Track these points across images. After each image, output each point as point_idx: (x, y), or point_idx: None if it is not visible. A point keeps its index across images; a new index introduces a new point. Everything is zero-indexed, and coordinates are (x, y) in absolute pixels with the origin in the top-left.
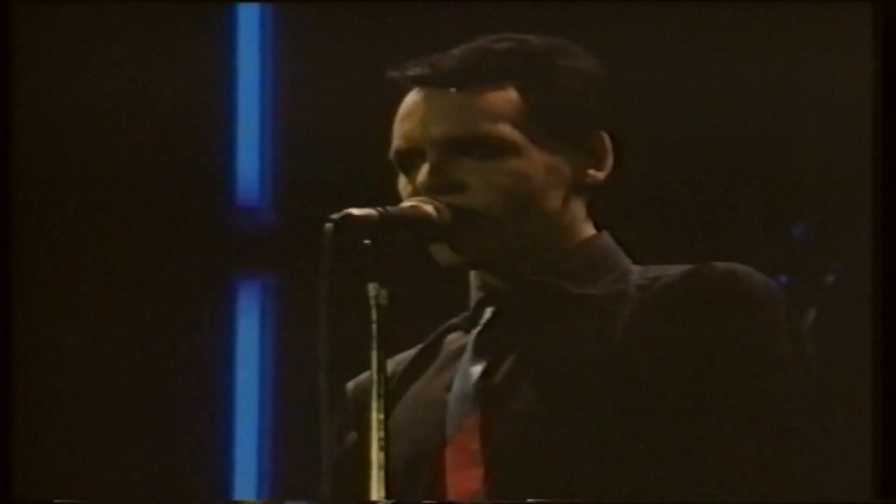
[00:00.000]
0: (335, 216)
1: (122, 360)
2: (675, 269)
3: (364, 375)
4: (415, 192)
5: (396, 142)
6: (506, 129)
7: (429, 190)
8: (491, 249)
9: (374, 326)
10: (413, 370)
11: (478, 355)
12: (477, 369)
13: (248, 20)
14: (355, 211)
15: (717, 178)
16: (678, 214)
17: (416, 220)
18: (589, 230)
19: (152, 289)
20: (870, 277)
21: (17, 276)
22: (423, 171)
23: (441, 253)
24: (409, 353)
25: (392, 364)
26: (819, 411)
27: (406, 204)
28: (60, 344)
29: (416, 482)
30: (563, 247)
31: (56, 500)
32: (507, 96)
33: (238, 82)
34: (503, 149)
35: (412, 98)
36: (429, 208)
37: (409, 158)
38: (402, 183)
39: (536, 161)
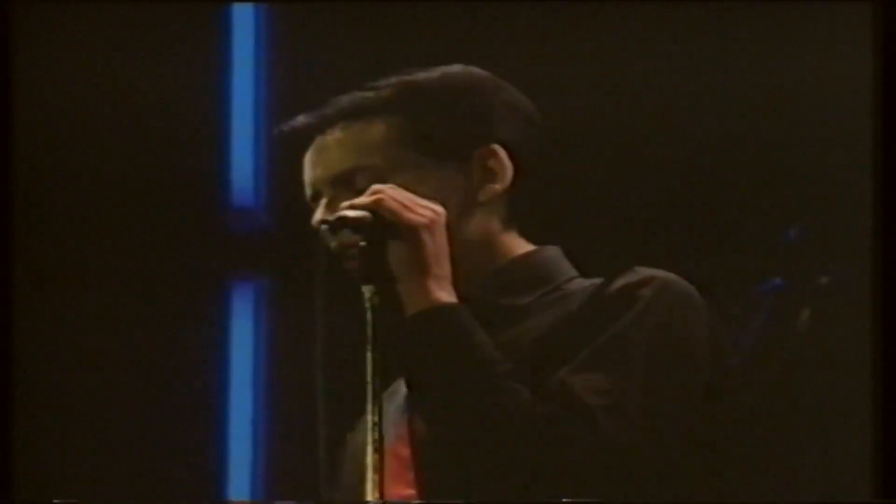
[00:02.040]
0: (330, 218)
1: (118, 361)
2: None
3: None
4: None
5: (306, 190)
6: (380, 159)
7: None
8: (391, 271)
9: (369, 328)
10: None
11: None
12: (402, 383)
13: (243, 20)
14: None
15: (717, 178)
16: (677, 214)
17: None
18: (521, 247)
19: (147, 290)
20: (869, 277)
21: (16, 276)
22: (318, 211)
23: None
24: None
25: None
26: (819, 411)
27: None
28: (57, 344)
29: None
30: (493, 264)
31: (56, 500)
32: (386, 126)
33: (232, 82)
34: (383, 177)
35: (311, 149)
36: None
37: (317, 202)
38: None
39: (419, 183)
